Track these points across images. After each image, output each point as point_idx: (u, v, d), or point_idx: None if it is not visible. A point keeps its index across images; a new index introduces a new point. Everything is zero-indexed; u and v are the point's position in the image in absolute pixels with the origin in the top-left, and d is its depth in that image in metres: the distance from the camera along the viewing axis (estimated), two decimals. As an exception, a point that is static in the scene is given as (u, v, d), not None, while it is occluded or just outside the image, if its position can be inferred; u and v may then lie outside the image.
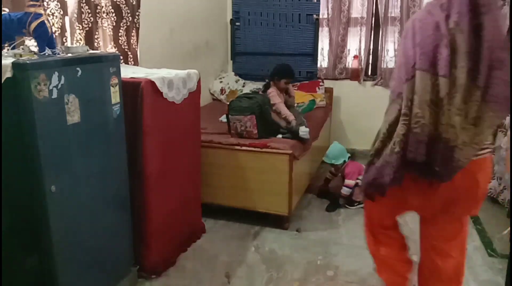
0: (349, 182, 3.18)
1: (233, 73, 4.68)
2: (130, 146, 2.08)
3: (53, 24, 2.15)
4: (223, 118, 3.25)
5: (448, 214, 1.65)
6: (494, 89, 1.41)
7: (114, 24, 2.66)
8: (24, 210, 1.63)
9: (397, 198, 1.63)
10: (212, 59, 4.45)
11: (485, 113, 1.41)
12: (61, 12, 2.24)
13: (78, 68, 1.68)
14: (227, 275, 2.36)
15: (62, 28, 2.26)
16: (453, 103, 1.41)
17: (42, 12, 1.77)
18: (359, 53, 4.34)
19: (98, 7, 2.52)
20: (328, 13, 4.33)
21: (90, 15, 2.43)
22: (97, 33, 2.52)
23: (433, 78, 1.42)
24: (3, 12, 1.80)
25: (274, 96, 3.26)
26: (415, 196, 1.63)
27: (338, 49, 4.37)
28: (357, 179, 3.15)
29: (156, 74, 2.24)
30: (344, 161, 3.26)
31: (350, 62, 4.43)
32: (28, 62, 1.49)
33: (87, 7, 2.41)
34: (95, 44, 2.51)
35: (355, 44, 4.35)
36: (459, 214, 1.67)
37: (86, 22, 2.42)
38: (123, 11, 2.73)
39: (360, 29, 4.27)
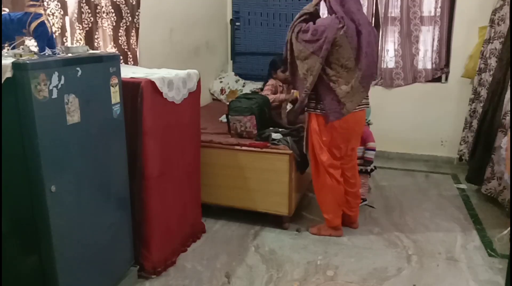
0: (372, 144, 3.09)
1: (233, 73, 4.68)
2: (130, 146, 2.08)
3: (53, 24, 2.15)
4: (223, 118, 3.25)
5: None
6: (364, 72, 2.44)
7: (114, 24, 2.66)
8: (24, 210, 1.63)
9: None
10: (212, 59, 4.45)
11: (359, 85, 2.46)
12: (61, 12, 2.24)
13: (78, 68, 1.68)
14: (227, 275, 2.36)
15: (62, 28, 2.26)
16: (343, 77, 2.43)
17: (42, 12, 1.77)
18: (359, 53, 4.33)
19: (98, 7, 2.52)
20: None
21: (90, 15, 2.43)
22: (97, 33, 2.52)
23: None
24: (3, 12, 1.80)
25: (266, 90, 3.31)
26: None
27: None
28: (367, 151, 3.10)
29: (156, 74, 2.24)
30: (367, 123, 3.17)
31: (350, 62, 4.42)
32: (28, 62, 1.48)
33: (87, 7, 2.41)
34: (95, 44, 2.51)
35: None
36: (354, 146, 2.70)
37: (86, 22, 2.42)
38: (123, 11, 2.73)
39: (360, 29, 4.27)
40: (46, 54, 1.72)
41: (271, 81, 3.40)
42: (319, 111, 2.55)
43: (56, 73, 1.57)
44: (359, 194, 2.87)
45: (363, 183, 3.20)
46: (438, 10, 4.05)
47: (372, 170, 3.20)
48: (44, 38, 1.76)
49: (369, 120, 3.22)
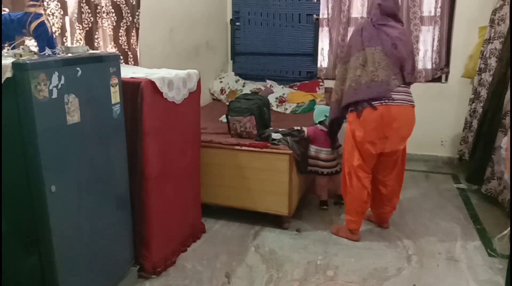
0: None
1: (233, 73, 4.68)
2: (130, 146, 2.08)
3: (53, 24, 2.15)
4: (223, 118, 3.25)
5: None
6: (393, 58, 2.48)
7: (114, 24, 2.66)
8: (24, 210, 1.63)
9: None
10: (212, 59, 4.45)
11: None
12: (61, 12, 2.24)
13: (78, 68, 1.68)
14: (227, 275, 2.36)
15: (62, 28, 2.26)
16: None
17: (42, 12, 1.77)
18: (359, 53, 4.33)
19: (98, 7, 2.52)
20: (328, 13, 4.33)
21: (90, 15, 2.43)
22: (97, 33, 2.52)
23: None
24: (3, 12, 1.80)
25: None
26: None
27: (338, 49, 4.37)
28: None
29: (156, 74, 2.24)
30: (326, 116, 3.03)
31: (350, 62, 4.42)
32: (28, 62, 1.48)
33: (87, 7, 2.41)
34: (95, 44, 2.51)
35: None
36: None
37: (86, 22, 2.42)
38: (123, 11, 2.73)
39: (360, 29, 4.27)
40: (46, 54, 1.72)
41: None
42: (349, 109, 2.56)
43: (56, 73, 1.57)
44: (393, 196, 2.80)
45: (321, 185, 3.15)
46: (438, 10, 4.05)
47: (328, 173, 3.08)
48: (44, 38, 1.76)
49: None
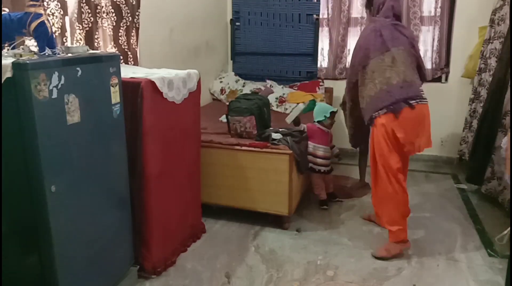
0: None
1: (233, 73, 4.68)
2: (130, 146, 2.09)
3: (53, 24, 2.15)
4: (223, 118, 3.25)
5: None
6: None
7: (114, 24, 2.66)
8: (24, 210, 1.63)
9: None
10: (212, 59, 4.45)
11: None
12: (61, 12, 2.24)
13: (78, 68, 1.68)
14: (227, 275, 2.36)
15: (62, 28, 2.26)
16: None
17: (42, 12, 1.77)
18: (359, 53, 4.33)
19: (98, 7, 2.52)
20: (328, 13, 4.33)
21: (90, 15, 2.43)
22: (97, 33, 2.52)
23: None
24: (3, 12, 1.80)
25: None
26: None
27: (338, 49, 4.37)
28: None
29: (156, 74, 2.24)
30: (325, 117, 3.11)
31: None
32: (28, 62, 1.48)
33: (87, 7, 2.41)
34: (95, 44, 2.51)
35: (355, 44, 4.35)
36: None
37: (86, 22, 2.42)
38: (123, 11, 2.73)
39: (360, 29, 4.27)
40: (46, 54, 1.72)
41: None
42: (383, 110, 2.39)
43: (56, 73, 1.57)
44: None
45: (318, 184, 3.18)
46: (438, 10, 4.05)
47: (325, 171, 3.17)
48: (44, 38, 1.76)
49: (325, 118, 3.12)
